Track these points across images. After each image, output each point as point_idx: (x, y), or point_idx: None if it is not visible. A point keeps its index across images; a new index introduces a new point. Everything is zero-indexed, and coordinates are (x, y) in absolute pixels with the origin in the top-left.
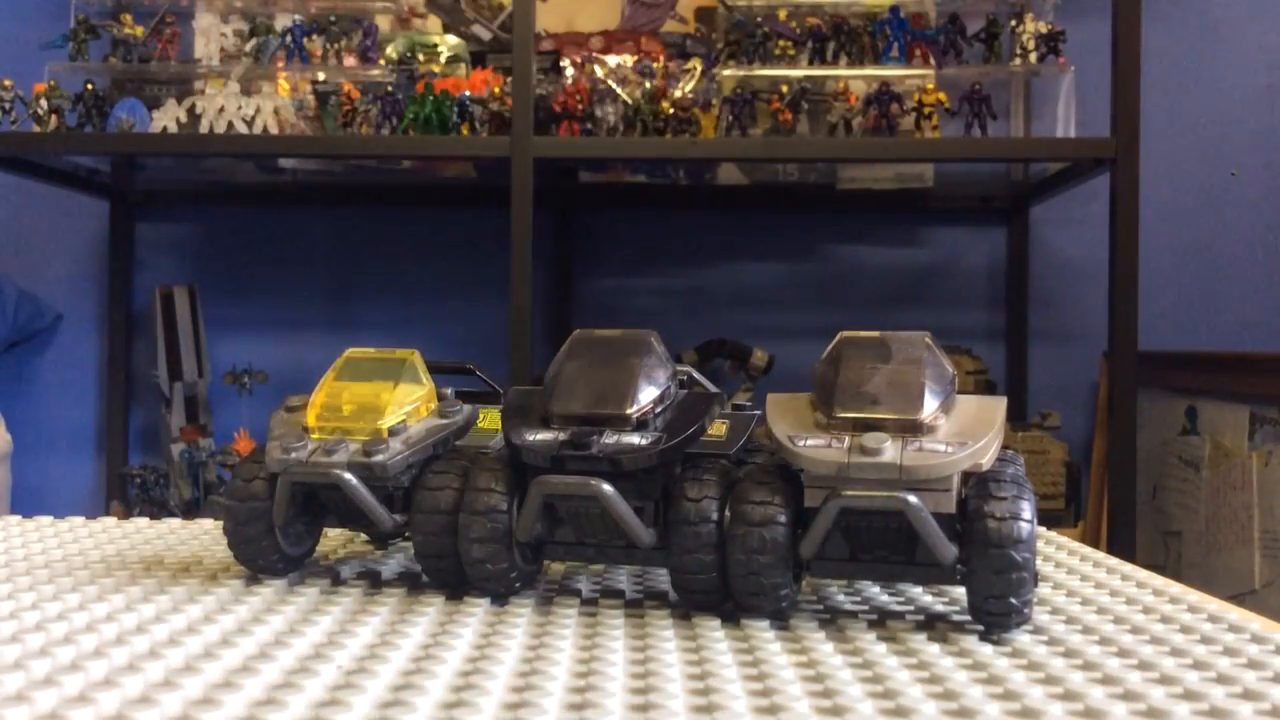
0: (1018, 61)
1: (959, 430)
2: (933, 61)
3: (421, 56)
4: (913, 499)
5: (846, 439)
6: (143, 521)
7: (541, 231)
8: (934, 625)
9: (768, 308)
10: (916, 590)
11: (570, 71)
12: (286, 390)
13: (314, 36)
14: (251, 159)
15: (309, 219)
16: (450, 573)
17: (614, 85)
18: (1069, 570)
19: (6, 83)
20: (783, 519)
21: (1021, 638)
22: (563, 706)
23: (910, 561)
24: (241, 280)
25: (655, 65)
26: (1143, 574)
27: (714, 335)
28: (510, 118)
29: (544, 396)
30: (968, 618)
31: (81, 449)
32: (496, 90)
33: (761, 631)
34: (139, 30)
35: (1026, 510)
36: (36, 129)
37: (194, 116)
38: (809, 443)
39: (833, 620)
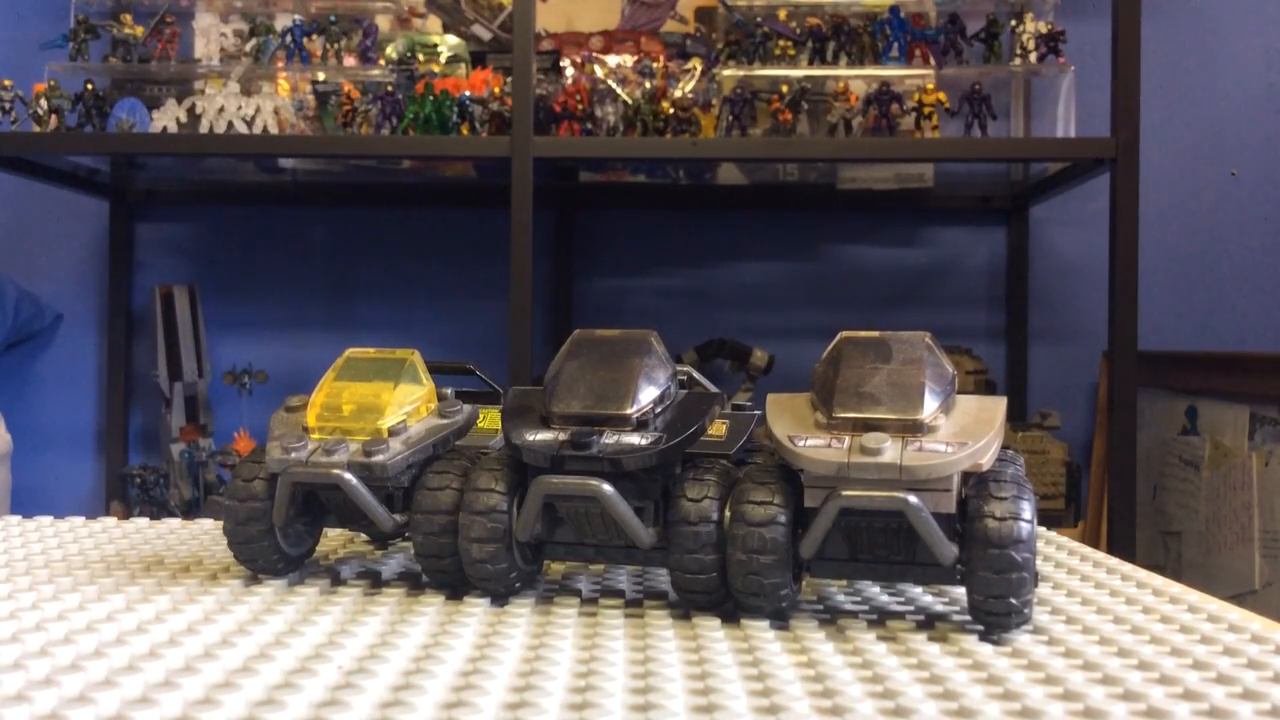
0: (1018, 61)
1: (959, 430)
2: (933, 61)
3: (421, 56)
4: (913, 499)
5: (846, 439)
6: (143, 521)
7: (541, 231)
8: (934, 625)
9: (768, 308)
10: (916, 590)
11: (570, 71)
12: (286, 390)
13: (314, 36)
14: (251, 159)
15: (309, 219)
16: (450, 573)
17: (614, 85)
18: (1069, 570)
19: (6, 83)
20: (783, 519)
21: (1021, 638)
22: (563, 706)
23: (910, 561)
24: (241, 280)
25: (655, 65)
26: (1143, 574)
27: (714, 335)
28: (510, 118)
29: (544, 396)
30: (968, 618)
31: (81, 449)
32: (496, 90)
33: (761, 631)
34: (139, 30)
35: (1026, 510)
36: (36, 129)
37: (194, 116)
38: (809, 443)
39: (833, 620)
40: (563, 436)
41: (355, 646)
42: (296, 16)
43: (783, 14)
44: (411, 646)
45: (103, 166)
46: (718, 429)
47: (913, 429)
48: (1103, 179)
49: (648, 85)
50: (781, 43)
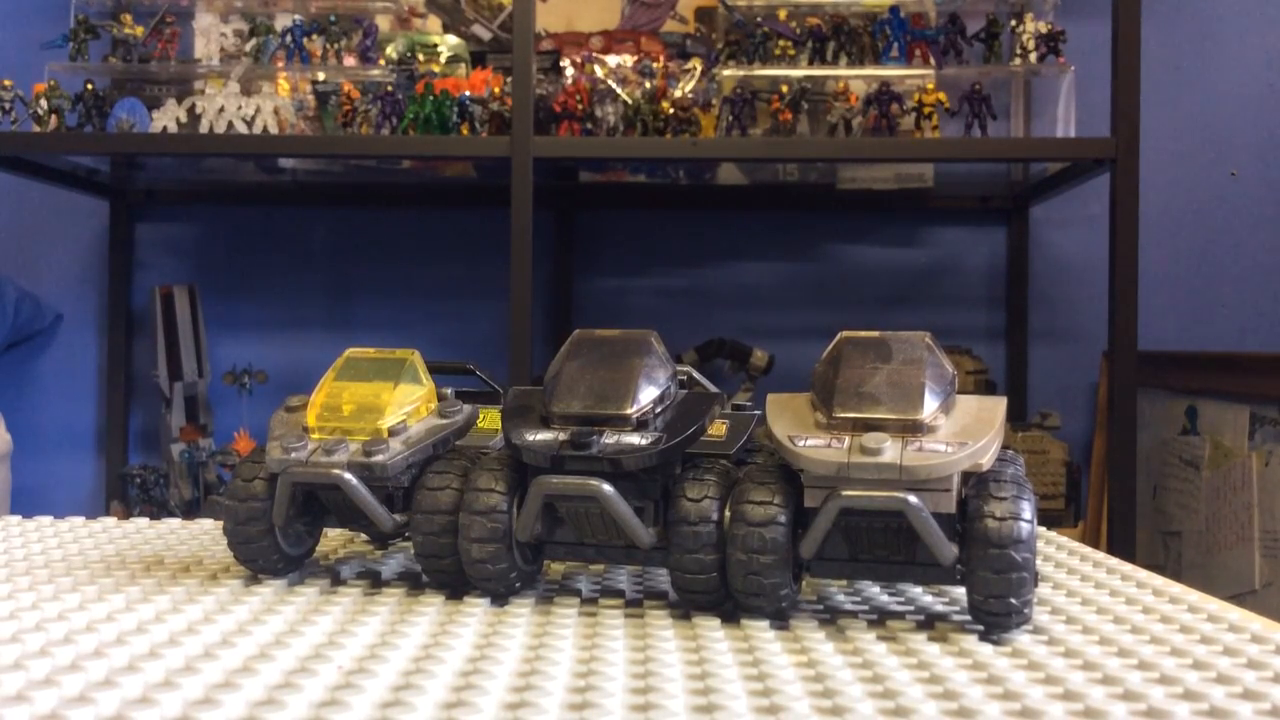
0: (1018, 61)
1: (959, 430)
2: (933, 61)
3: (421, 56)
4: (913, 499)
5: (846, 439)
6: (143, 521)
7: (541, 231)
8: (934, 625)
9: (768, 308)
10: (916, 590)
11: (570, 71)
12: (286, 390)
13: (314, 36)
14: (251, 159)
15: (309, 219)
16: (450, 573)
17: (614, 85)
18: (1069, 570)
19: (6, 83)
20: (783, 519)
21: (1021, 638)
22: (563, 706)
23: (910, 561)
24: (241, 280)
25: (655, 65)
26: (1143, 574)
27: (714, 335)
28: (510, 118)
29: (544, 396)
30: (968, 618)
31: (81, 449)
32: (496, 90)
33: (761, 631)
34: (139, 30)
35: (1026, 510)
36: (36, 129)
37: (194, 116)
38: (809, 443)
39: (833, 620)
40: (563, 436)
41: (355, 646)
42: (296, 16)
43: (783, 14)
44: (411, 646)
45: (103, 166)
46: (718, 429)
47: (913, 429)
48: (1103, 179)
49: (648, 85)
50: (781, 43)
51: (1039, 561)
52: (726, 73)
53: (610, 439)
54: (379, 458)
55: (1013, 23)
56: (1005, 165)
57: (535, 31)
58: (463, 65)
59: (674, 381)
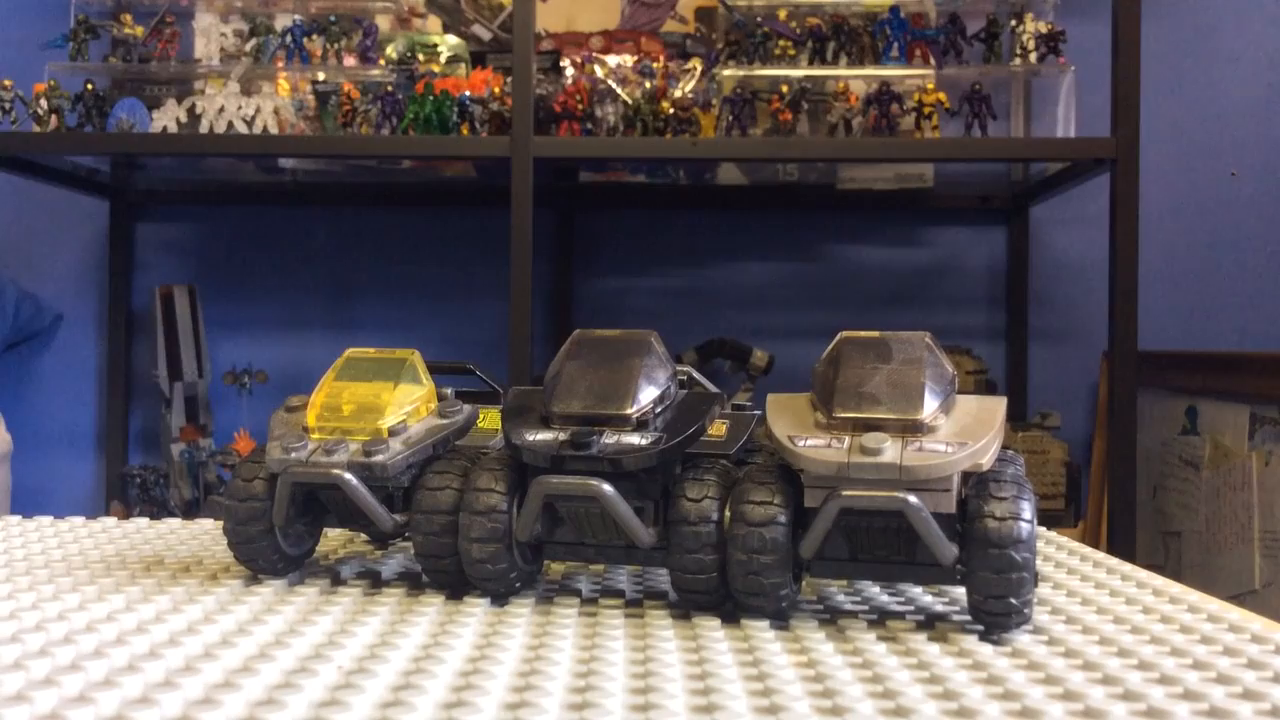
0: (1018, 61)
1: (959, 430)
2: (933, 61)
3: (421, 56)
4: (913, 499)
5: (846, 439)
6: (143, 521)
7: (541, 231)
8: (934, 625)
9: (768, 308)
10: (916, 590)
11: (570, 71)
12: (286, 390)
13: (314, 36)
14: (251, 159)
15: (309, 219)
16: (450, 573)
17: (614, 85)
18: (1069, 570)
19: (6, 83)
20: (783, 519)
21: (1021, 638)
22: (563, 706)
23: (910, 561)
24: (241, 280)
25: (655, 65)
26: (1143, 574)
27: (714, 335)
28: (510, 118)
29: (544, 396)
30: (968, 618)
31: (81, 449)
32: (496, 90)
33: (761, 631)
34: (139, 30)
35: (1026, 510)
36: (36, 129)
37: (194, 116)
38: (809, 443)
39: (833, 620)
40: (563, 436)
41: (355, 646)
42: (296, 16)
43: (783, 14)
44: (411, 646)
45: (103, 166)
46: (718, 429)
47: (913, 429)
48: (1103, 179)
49: (648, 85)
50: (781, 43)
51: (1039, 561)
52: (726, 73)
53: (610, 439)
54: (379, 458)
55: (1013, 23)
56: (1005, 165)
57: (535, 31)
58: (463, 65)
59: (674, 381)
